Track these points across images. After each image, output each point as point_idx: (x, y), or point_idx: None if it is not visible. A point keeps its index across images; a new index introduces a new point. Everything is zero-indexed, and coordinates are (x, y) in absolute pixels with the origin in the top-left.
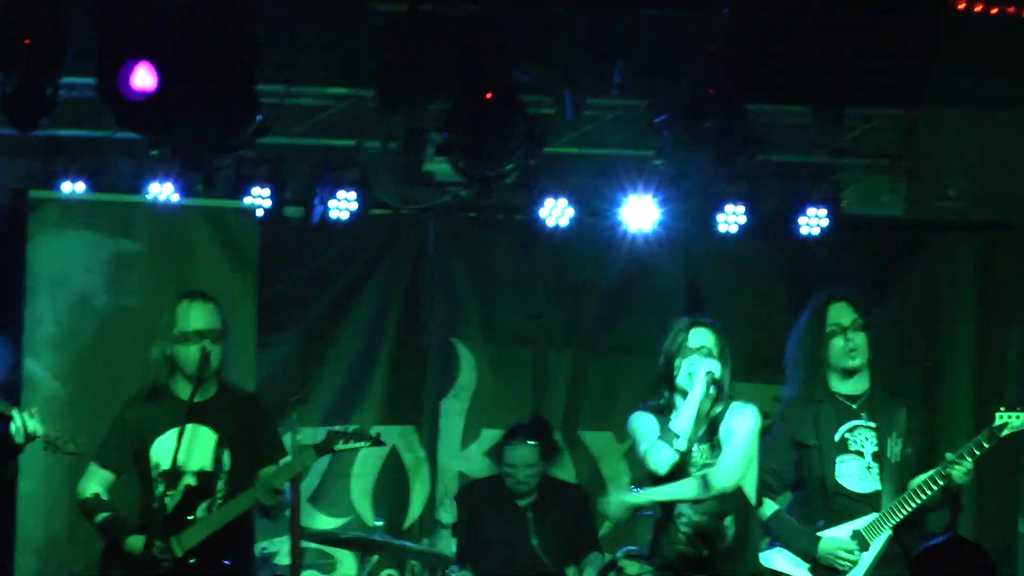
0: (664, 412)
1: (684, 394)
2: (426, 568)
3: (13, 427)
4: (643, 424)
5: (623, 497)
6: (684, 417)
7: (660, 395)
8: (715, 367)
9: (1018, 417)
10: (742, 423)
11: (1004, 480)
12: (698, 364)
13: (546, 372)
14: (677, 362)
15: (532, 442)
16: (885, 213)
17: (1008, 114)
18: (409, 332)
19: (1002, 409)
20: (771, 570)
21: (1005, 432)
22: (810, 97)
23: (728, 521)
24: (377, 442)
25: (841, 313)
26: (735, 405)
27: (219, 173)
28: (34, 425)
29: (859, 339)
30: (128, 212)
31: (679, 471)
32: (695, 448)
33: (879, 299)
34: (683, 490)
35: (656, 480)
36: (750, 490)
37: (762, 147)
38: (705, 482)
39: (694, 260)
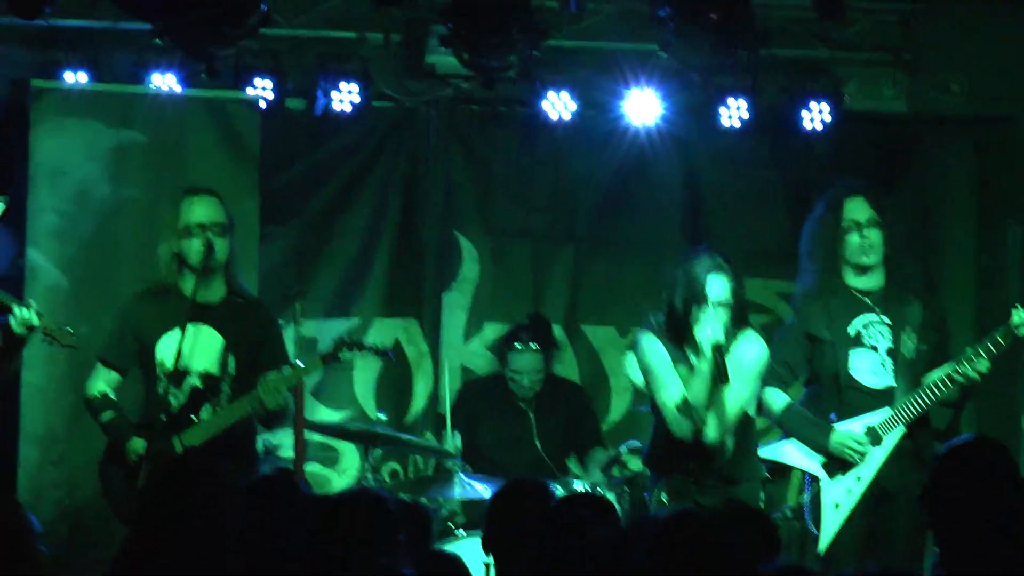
0: (675, 342)
1: (696, 347)
2: (428, 461)
3: (12, 319)
4: (655, 358)
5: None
6: (697, 389)
7: (671, 324)
8: (722, 333)
9: None
10: (749, 354)
11: (1005, 377)
12: (714, 322)
13: (547, 265)
14: (695, 311)
15: (535, 346)
16: (887, 108)
17: (1008, 8)
18: (410, 225)
19: (1018, 306)
20: (777, 462)
21: (1023, 331)
22: None
23: (728, 439)
24: (384, 354)
25: (857, 208)
26: (743, 336)
27: (221, 64)
28: (31, 316)
29: (874, 236)
30: (129, 102)
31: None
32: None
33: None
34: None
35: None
36: (751, 409)
37: (765, 39)
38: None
39: (694, 155)
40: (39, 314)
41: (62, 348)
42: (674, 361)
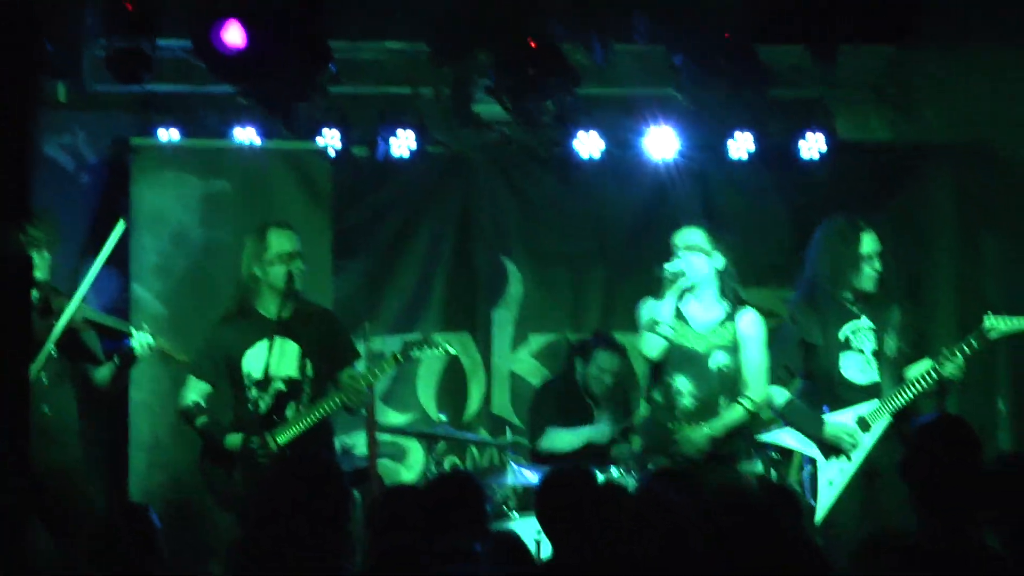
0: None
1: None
2: (484, 453)
3: (135, 342)
4: (644, 311)
5: (692, 434)
6: (664, 306)
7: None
8: (678, 266)
9: (1005, 322)
10: (751, 331)
11: (984, 365)
12: (675, 262)
13: (583, 284)
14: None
15: (615, 350)
16: (874, 137)
17: (981, 48)
18: (463, 253)
19: (989, 314)
20: (778, 446)
21: (993, 335)
22: (807, 37)
23: (722, 400)
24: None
25: (870, 243)
26: (741, 312)
27: (296, 119)
28: (150, 338)
29: (879, 265)
30: (216, 155)
31: (678, 353)
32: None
33: (872, 212)
34: (734, 416)
35: (651, 363)
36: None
37: (769, 81)
38: (747, 403)
39: (709, 184)
40: (154, 336)
41: (177, 364)
42: (646, 325)
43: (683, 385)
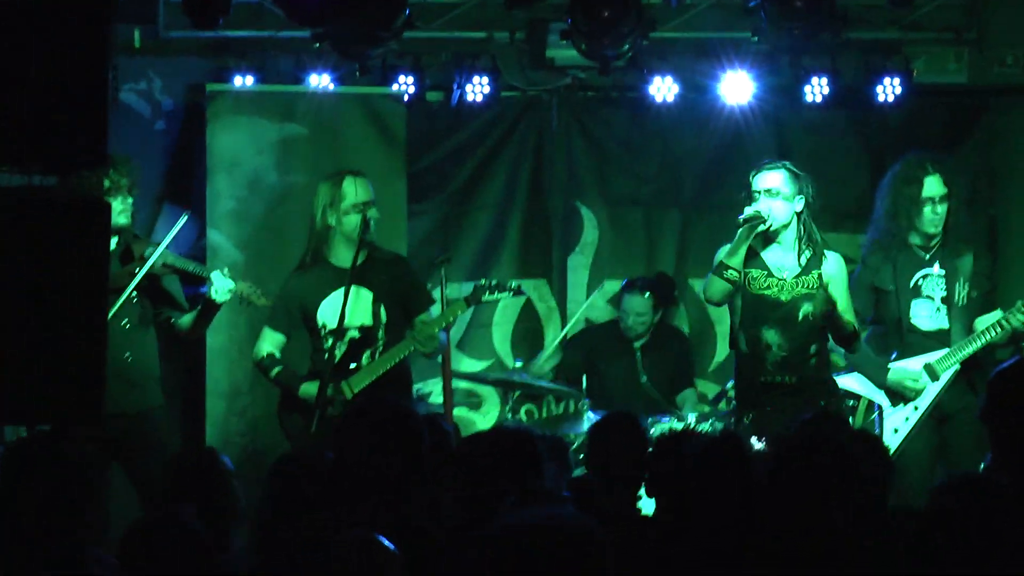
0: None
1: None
2: (560, 401)
3: (213, 288)
4: (718, 253)
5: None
6: (732, 250)
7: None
8: (760, 209)
9: None
10: (835, 273)
11: None
12: (753, 206)
13: (657, 229)
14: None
15: (646, 294)
16: (951, 81)
17: None
18: (538, 198)
19: None
20: (845, 390)
21: None
22: None
23: (812, 349)
24: (517, 291)
25: (935, 186)
26: (824, 258)
27: (370, 64)
28: (231, 283)
29: (943, 209)
30: (291, 100)
31: (761, 303)
32: (789, 277)
33: (948, 156)
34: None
35: (732, 311)
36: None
37: (844, 24)
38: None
39: (783, 128)
40: (235, 280)
41: (258, 308)
42: (715, 268)
43: (771, 337)
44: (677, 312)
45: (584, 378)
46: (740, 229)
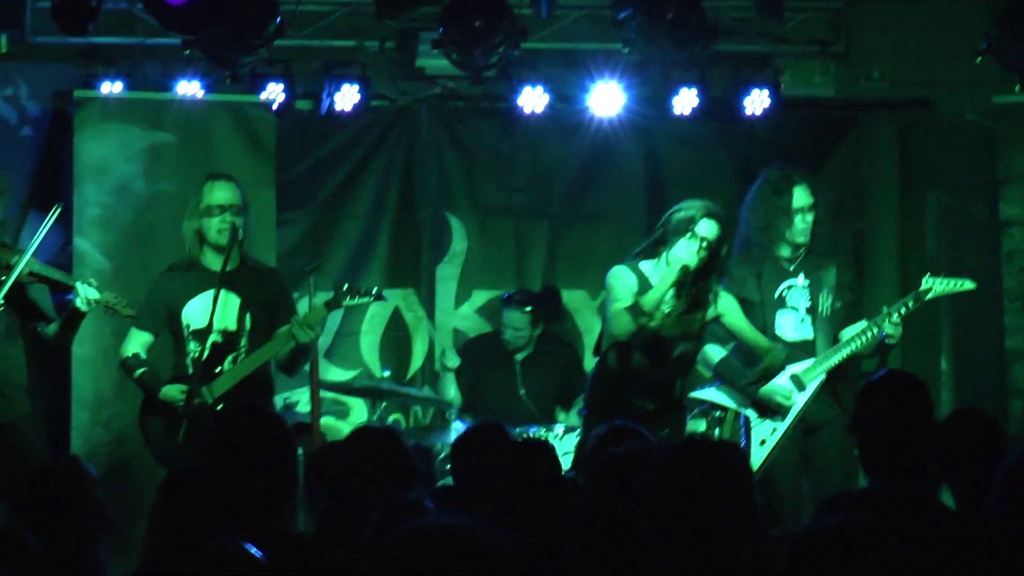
0: (650, 257)
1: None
2: (427, 411)
3: (78, 298)
4: (621, 282)
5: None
6: (653, 294)
7: (652, 250)
8: (694, 262)
9: (941, 283)
10: (736, 310)
11: (926, 324)
12: (692, 249)
13: (527, 239)
14: (677, 238)
15: (526, 308)
16: (818, 94)
17: (925, 5)
18: (407, 207)
19: (928, 275)
20: (712, 403)
21: (929, 296)
22: None
23: (678, 381)
24: (378, 296)
25: (803, 196)
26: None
27: (240, 71)
28: (95, 293)
29: (811, 218)
30: (159, 108)
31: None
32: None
33: (815, 169)
34: None
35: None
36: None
37: (714, 36)
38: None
39: (653, 139)
40: (100, 290)
41: (122, 319)
42: (629, 307)
43: (643, 368)
44: (561, 324)
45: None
46: (671, 277)
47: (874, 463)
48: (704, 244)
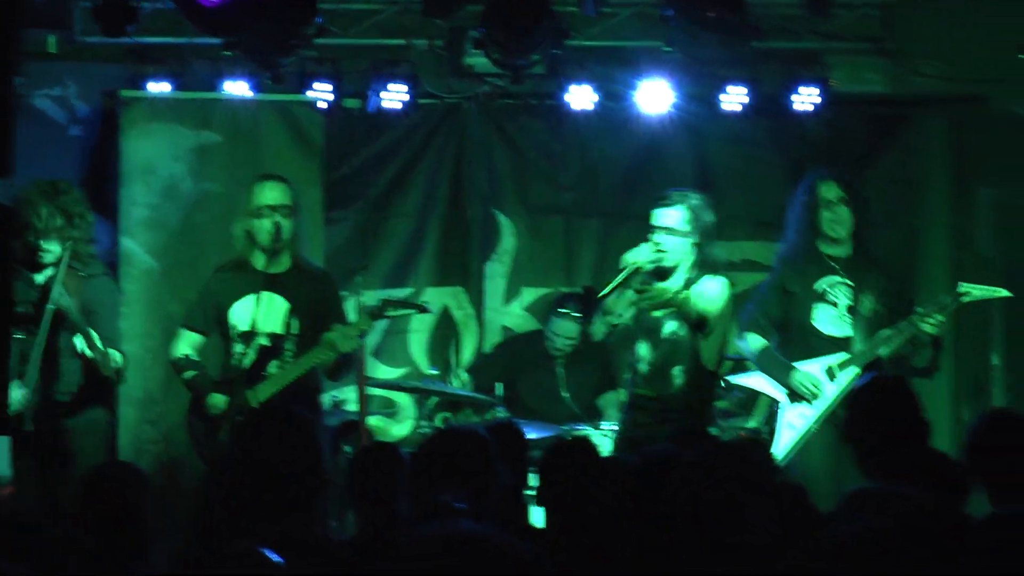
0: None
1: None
2: (476, 410)
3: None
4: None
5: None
6: (611, 293)
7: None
8: (644, 256)
9: (979, 289)
10: (707, 291)
11: (978, 320)
12: (642, 247)
13: (576, 237)
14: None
15: (577, 315)
16: (870, 90)
17: (977, 1)
18: (456, 205)
19: (962, 283)
20: (749, 388)
21: (966, 299)
22: None
23: (676, 371)
24: (422, 309)
25: (828, 190)
26: (705, 278)
27: (285, 71)
28: (82, 346)
29: (842, 212)
30: (207, 107)
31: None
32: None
33: (866, 167)
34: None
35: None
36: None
37: (760, 34)
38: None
39: (702, 137)
40: (89, 348)
41: (159, 322)
42: (597, 312)
43: (643, 351)
44: None
45: (501, 387)
46: (619, 278)
47: (865, 467)
48: (657, 230)
